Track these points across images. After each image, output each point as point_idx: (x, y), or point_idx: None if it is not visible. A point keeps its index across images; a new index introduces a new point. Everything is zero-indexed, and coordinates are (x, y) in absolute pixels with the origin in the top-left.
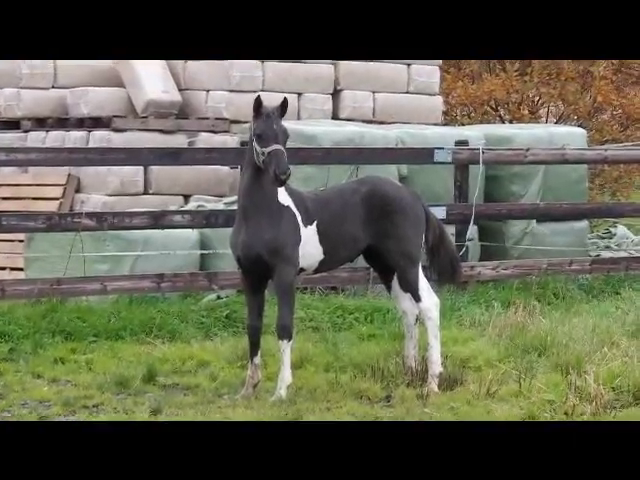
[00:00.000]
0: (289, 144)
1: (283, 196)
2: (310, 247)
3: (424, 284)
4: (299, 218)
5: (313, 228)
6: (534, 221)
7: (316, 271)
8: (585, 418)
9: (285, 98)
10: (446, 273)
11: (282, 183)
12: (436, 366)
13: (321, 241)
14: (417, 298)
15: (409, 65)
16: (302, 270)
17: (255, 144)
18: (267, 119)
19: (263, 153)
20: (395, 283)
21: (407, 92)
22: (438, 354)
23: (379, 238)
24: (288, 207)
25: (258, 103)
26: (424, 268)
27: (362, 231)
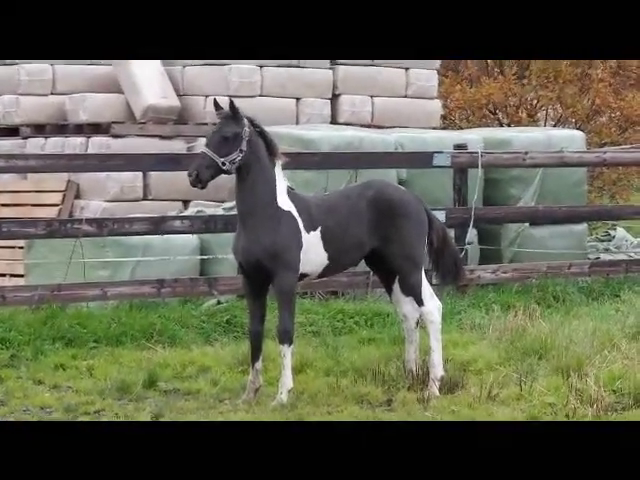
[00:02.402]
0: (287, 149)
1: (284, 201)
2: (313, 253)
3: (427, 288)
4: (300, 224)
5: (317, 234)
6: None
7: (320, 276)
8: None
9: (230, 100)
10: (449, 274)
11: (191, 184)
12: (438, 370)
13: (325, 247)
14: (420, 302)
15: (407, 69)
16: (306, 275)
17: None
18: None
19: None
20: (396, 287)
21: (405, 96)
22: (440, 358)
23: (383, 242)
24: (289, 212)
25: (215, 106)
26: (425, 272)
27: (367, 235)
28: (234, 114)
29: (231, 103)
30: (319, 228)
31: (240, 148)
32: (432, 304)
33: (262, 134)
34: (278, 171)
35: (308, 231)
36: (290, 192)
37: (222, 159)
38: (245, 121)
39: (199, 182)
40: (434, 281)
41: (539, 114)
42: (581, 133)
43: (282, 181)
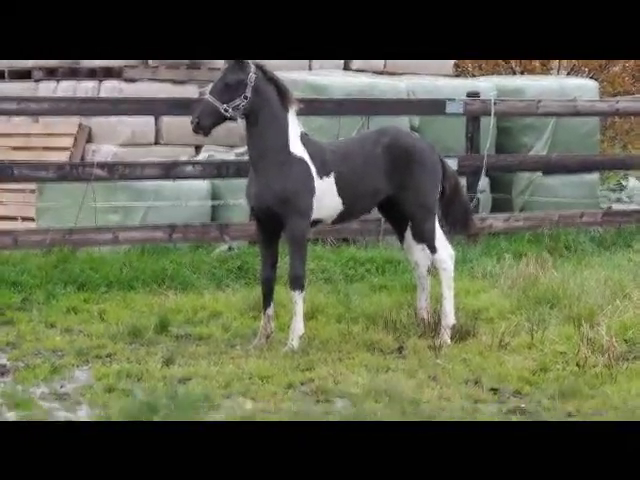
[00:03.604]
0: (300, 95)
1: (296, 147)
2: (328, 199)
3: (440, 235)
4: (313, 169)
5: (330, 180)
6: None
7: (334, 222)
8: (597, 370)
9: None
10: (459, 224)
11: (194, 131)
12: (449, 317)
13: (340, 193)
14: (433, 249)
15: None
16: (320, 221)
17: None
18: None
19: None
20: (408, 234)
21: None
22: (451, 306)
23: (397, 189)
24: (301, 158)
25: None
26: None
27: (383, 182)
28: (237, 60)
29: None
30: (332, 174)
31: (244, 95)
32: (445, 252)
33: (272, 80)
34: (292, 117)
35: (321, 177)
36: (304, 138)
37: (224, 105)
38: (251, 68)
39: (200, 129)
40: (444, 230)
41: (552, 63)
42: (594, 82)
43: (295, 127)
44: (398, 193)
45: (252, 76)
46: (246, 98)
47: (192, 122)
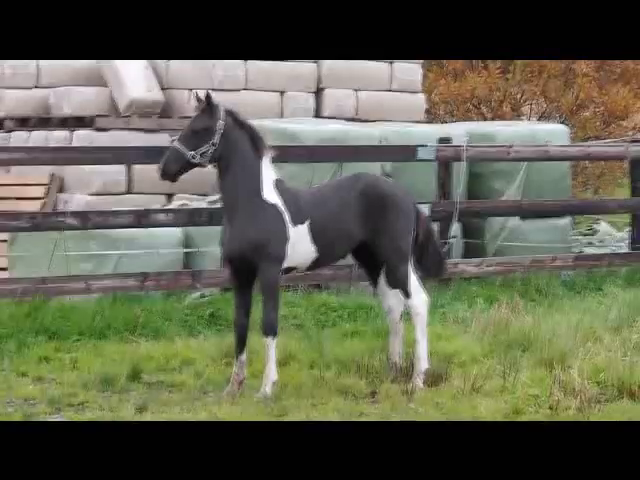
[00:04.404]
0: (273, 142)
1: (270, 194)
2: (302, 246)
3: (414, 280)
4: (287, 216)
5: (305, 227)
6: (514, 217)
7: (309, 269)
8: (570, 413)
9: (207, 93)
10: (432, 269)
11: (160, 178)
12: (423, 362)
13: (314, 240)
14: (407, 294)
15: (391, 63)
16: (294, 268)
17: None
18: None
19: None
20: (382, 279)
21: (389, 90)
22: (425, 350)
23: (372, 234)
24: (274, 205)
25: (196, 100)
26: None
27: (357, 227)
28: (208, 107)
29: (207, 96)
30: (307, 221)
31: (212, 141)
32: (419, 297)
33: (244, 127)
34: (265, 164)
35: (295, 224)
36: (278, 184)
37: (191, 152)
38: (220, 114)
39: (166, 175)
40: (417, 275)
41: (523, 108)
42: (565, 127)
43: (269, 174)
44: (373, 238)
45: (221, 123)
46: (214, 145)
47: (158, 169)
